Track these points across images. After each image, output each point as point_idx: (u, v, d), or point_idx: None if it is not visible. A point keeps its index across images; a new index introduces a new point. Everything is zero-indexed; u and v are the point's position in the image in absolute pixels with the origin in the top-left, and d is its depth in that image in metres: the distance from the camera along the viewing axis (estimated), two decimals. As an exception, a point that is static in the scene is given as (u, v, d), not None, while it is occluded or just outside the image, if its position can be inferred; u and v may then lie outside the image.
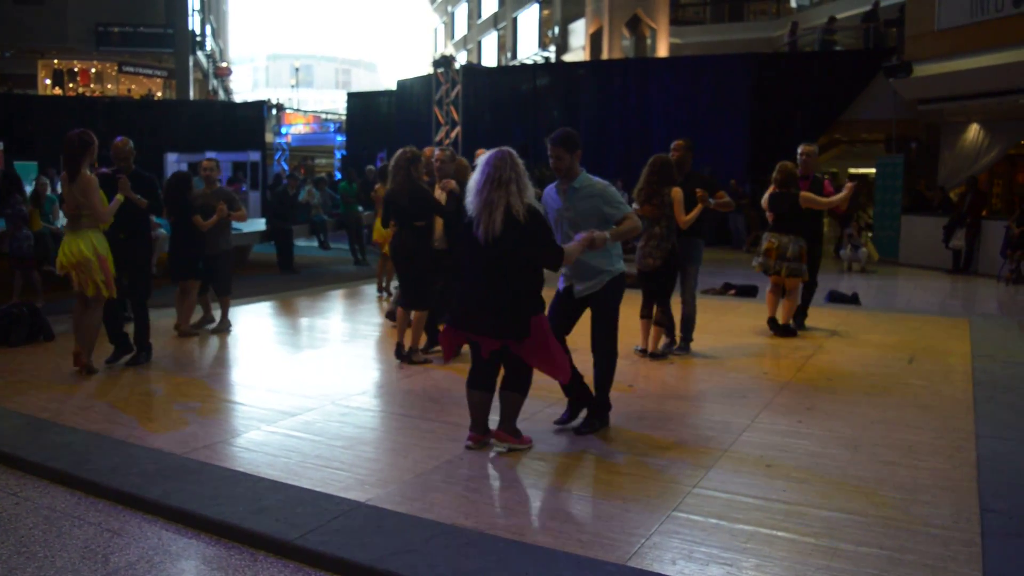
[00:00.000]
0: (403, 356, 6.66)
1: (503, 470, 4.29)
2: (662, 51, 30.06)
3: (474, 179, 4.32)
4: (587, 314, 4.95)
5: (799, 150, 8.04)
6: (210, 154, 24.66)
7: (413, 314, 6.68)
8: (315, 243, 16.40)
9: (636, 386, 5.99)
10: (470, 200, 4.32)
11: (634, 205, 6.58)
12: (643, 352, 6.86)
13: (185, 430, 4.87)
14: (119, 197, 6.17)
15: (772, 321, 7.86)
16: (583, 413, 4.96)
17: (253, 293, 10.64)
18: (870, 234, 16.33)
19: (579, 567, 3.18)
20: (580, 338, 5.07)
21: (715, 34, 32.31)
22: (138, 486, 3.95)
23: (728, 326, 8.27)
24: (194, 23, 33.91)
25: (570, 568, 3.17)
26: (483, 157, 4.36)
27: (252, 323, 8.74)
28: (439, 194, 6.78)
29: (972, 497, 3.90)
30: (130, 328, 6.63)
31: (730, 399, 5.64)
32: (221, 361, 6.92)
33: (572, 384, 4.82)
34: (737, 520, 3.62)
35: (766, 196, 7.75)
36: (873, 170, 18.58)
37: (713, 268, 14.55)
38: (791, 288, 7.68)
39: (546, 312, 4.50)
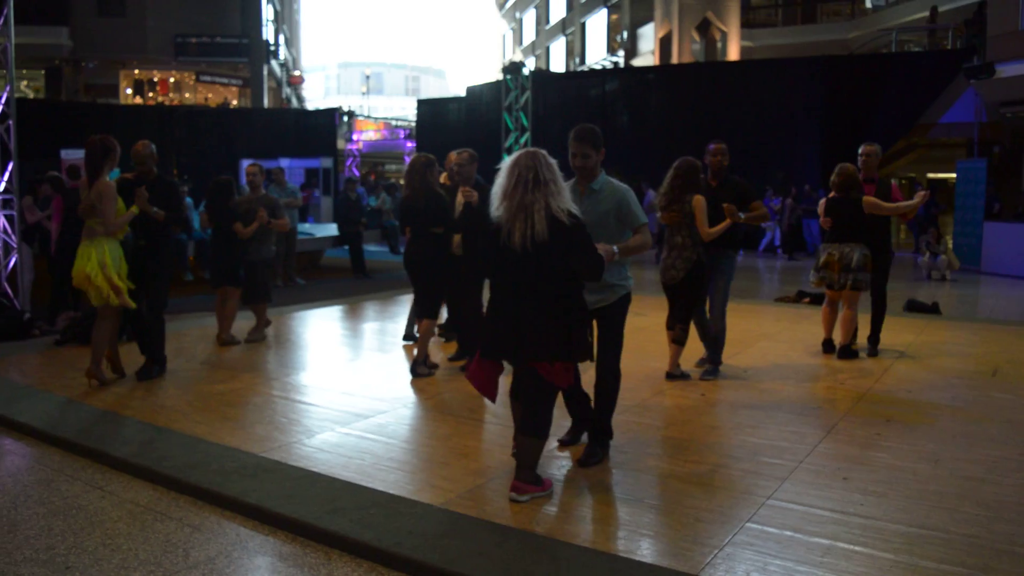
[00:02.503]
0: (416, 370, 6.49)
1: (574, 478, 4.28)
2: (733, 55, 29.69)
3: (499, 183, 3.85)
4: None
5: (860, 150, 7.32)
6: (283, 161, 25.33)
7: (423, 322, 6.50)
8: (386, 248, 16.64)
9: (707, 394, 5.92)
10: (496, 206, 3.86)
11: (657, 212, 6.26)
12: (673, 376, 6.29)
13: (261, 430, 4.99)
14: (133, 209, 5.99)
15: (828, 343, 7.27)
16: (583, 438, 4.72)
17: (325, 296, 10.86)
18: (950, 242, 15.79)
19: (651, 574, 3.15)
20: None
21: (788, 37, 31.79)
22: (217, 483, 4.06)
23: (801, 336, 8.11)
24: (268, 33, 34.83)
25: (642, 574, 3.15)
26: (509, 158, 3.91)
27: (324, 326, 8.91)
28: (460, 199, 6.50)
29: (1062, 517, 3.74)
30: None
31: (804, 410, 5.52)
32: (294, 364, 7.06)
33: (576, 404, 4.64)
34: (813, 533, 3.54)
35: (822, 202, 7.17)
36: (954, 175, 18.00)
37: (788, 276, 14.32)
38: (850, 301, 6.98)
39: None
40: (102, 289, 5.82)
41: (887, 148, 18.50)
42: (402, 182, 6.65)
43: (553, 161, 3.90)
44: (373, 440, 4.81)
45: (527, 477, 3.96)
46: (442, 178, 7.09)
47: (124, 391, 5.90)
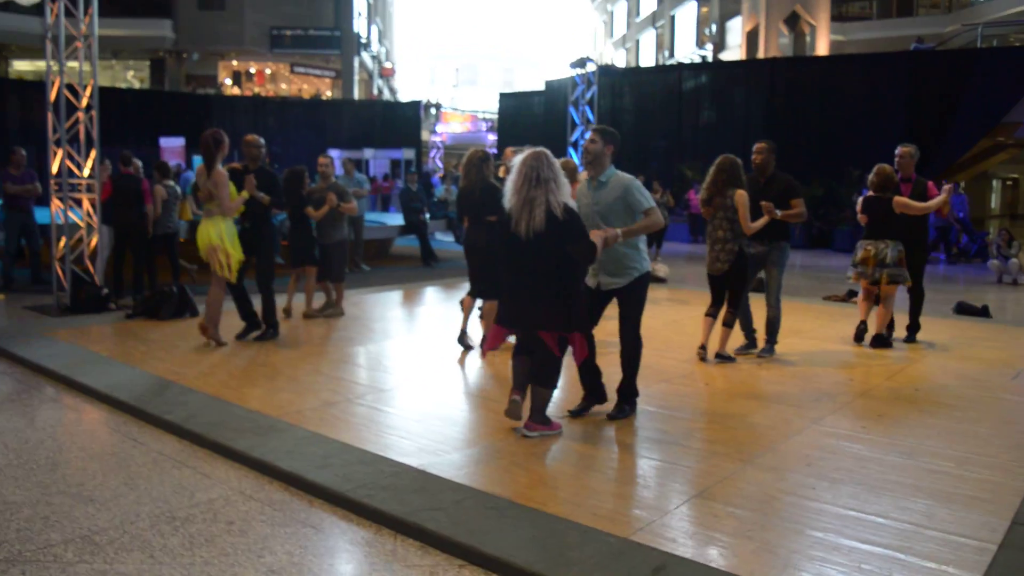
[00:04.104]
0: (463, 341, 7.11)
1: (546, 451, 4.62)
2: (822, 49, 29.06)
3: (511, 180, 4.59)
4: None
5: (896, 151, 7.70)
6: (368, 151, 26.07)
7: (485, 303, 7.09)
8: (451, 237, 17.18)
9: (711, 385, 6.15)
10: (509, 199, 4.60)
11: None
12: (703, 351, 6.70)
13: (284, 397, 5.52)
14: (244, 194, 6.92)
15: (863, 326, 7.57)
16: (595, 403, 5.27)
17: (389, 282, 11.47)
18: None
19: (583, 534, 3.48)
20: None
21: (881, 30, 30.89)
22: (231, 439, 4.59)
23: (838, 332, 8.13)
24: (359, 26, 35.89)
25: (574, 535, 3.48)
26: (518, 158, 4.62)
27: (380, 309, 9.47)
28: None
29: (1009, 511, 3.84)
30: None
31: (801, 400, 5.69)
32: (334, 340, 7.58)
33: (589, 377, 5.16)
34: (753, 509, 3.78)
35: (860, 200, 7.54)
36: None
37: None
38: (887, 295, 7.40)
39: None
40: (222, 261, 6.80)
41: (967, 147, 17.96)
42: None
43: (555, 161, 4.60)
44: (381, 410, 5.28)
45: (538, 419, 4.74)
46: (500, 171, 7.57)
47: (178, 359, 6.53)
